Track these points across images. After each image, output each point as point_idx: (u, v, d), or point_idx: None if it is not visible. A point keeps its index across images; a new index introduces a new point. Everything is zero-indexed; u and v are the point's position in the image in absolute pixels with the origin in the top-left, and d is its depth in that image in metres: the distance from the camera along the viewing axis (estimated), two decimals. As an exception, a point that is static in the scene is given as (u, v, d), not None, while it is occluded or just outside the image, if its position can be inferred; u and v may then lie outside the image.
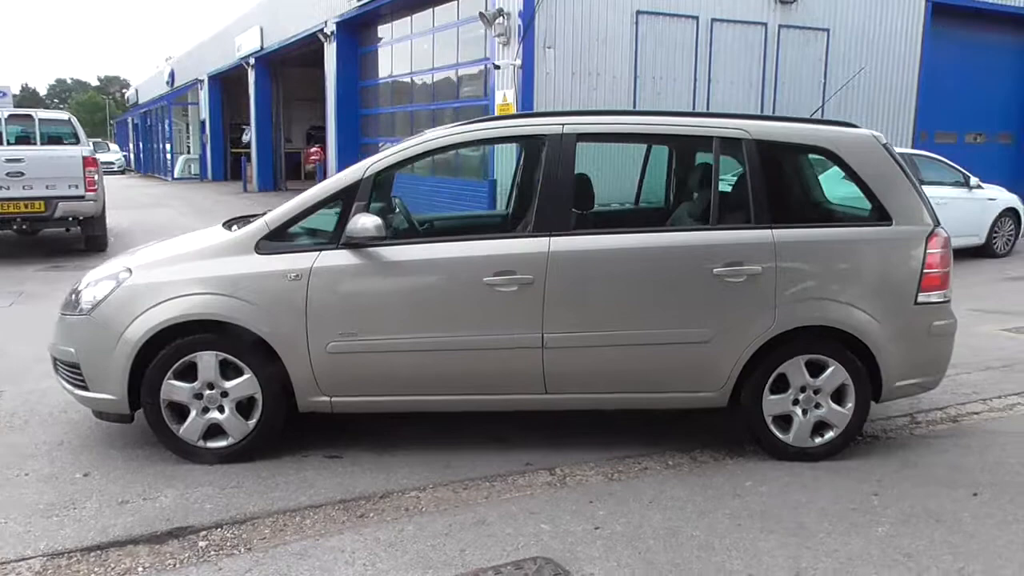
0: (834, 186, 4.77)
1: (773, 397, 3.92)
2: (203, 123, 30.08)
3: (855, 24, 13.32)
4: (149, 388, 3.71)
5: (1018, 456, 4.03)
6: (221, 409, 3.77)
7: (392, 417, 4.21)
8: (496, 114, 10.96)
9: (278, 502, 3.42)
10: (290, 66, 24.17)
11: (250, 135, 25.16)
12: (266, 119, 24.63)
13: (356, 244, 3.71)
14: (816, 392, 3.93)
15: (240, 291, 3.71)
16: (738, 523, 3.26)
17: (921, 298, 3.94)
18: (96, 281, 3.89)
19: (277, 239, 3.79)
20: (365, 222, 3.63)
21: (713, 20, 11.91)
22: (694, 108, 11.95)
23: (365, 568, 2.89)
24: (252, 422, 3.79)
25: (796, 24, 12.67)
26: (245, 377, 3.74)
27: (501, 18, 10.48)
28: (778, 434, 3.95)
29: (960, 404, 4.82)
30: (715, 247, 3.86)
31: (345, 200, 3.79)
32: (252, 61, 23.46)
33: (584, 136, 3.96)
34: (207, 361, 3.72)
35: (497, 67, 10.58)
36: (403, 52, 15.61)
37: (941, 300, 3.99)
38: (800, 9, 12.62)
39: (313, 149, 24.94)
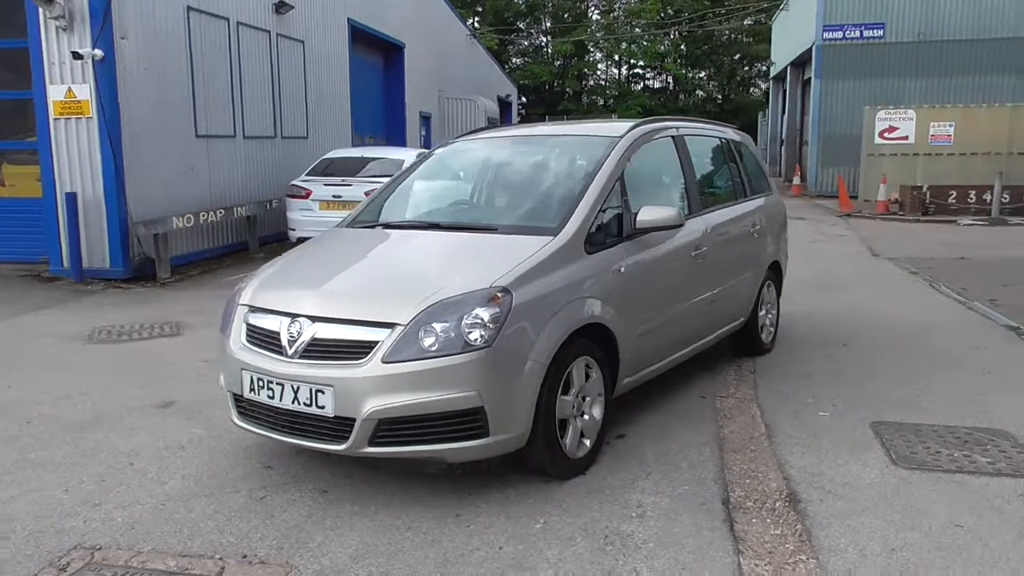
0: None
1: (761, 312, 5.84)
2: None
3: (315, 40, 14.74)
4: (547, 409, 3.46)
5: (818, 321, 6.90)
6: (582, 415, 3.74)
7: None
8: (69, 110, 8.97)
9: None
10: None
11: None
12: None
13: (635, 235, 4.12)
14: (767, 303, 6.00)
15: (597, 292, 3.76)
16: (837, 368, 5.23)
17: (784, 235, 6.38)
18: (462, 310, 3.25)
19: (591, 239, 3.88)
20: (664, 212, 4.10)
21: (239, 23, 11.83)
22: (232, 104, 11.73)
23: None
24: (599, 420, 3.85)
25: (286, 34, 13.44)
26: (595, 377, 3.80)
27: (60, -1, 8.52)
28: (762, 337, 5.89)
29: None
30: (751, 212, 5.55)
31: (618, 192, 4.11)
32: None
33: (688, 137, 5.07)
34: (580, 368, 3.66)
35: (78, 56, 8.56)
36: None
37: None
38: (288, 20, 13.43)
39: None
